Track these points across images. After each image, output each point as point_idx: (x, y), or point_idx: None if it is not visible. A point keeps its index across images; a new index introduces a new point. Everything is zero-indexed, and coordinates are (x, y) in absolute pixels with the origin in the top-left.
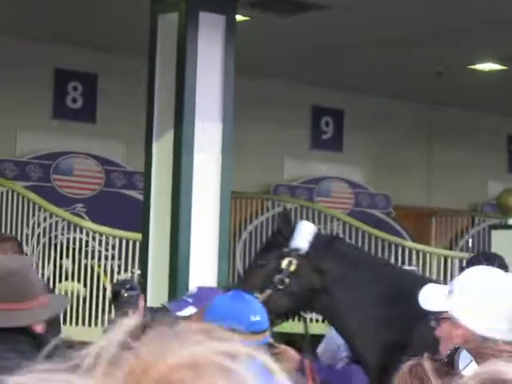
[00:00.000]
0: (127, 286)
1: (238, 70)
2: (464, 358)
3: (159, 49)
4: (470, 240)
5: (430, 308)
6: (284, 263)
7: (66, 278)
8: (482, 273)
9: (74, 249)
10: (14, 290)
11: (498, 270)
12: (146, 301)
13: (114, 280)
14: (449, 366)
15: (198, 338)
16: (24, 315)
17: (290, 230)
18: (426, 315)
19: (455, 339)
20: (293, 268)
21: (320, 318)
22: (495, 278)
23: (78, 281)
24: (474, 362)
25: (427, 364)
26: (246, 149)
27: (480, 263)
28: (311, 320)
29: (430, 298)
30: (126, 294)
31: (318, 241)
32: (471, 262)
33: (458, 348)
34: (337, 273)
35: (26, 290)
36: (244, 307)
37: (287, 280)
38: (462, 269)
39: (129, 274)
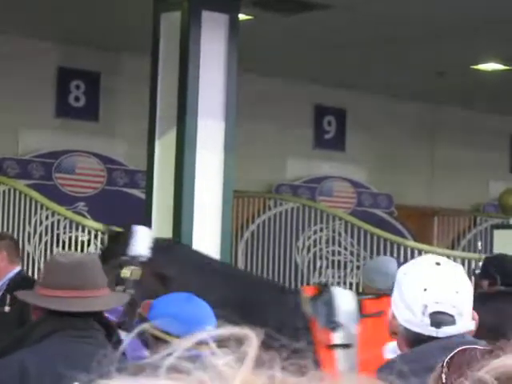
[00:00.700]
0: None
1: (240, 68)
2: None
3: (162, 47)
4: (480, 243)
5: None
6: (125, 272)
7: None
8: (418, 263)
9: (81, 243)
10: (89, 278)
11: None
12: None
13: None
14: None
15: None
16: (98, 302)
17: (126, 237)
18: (266, 323)
19: (393, 329)
20: (135, 276)
21: None
22: (421, 268)
23: None
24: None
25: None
26: (248, 148)
27: (498, 262)
28: None
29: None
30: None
31: (158, 246)
32: (488, 262)
33: None
34: (179, 278)
35: (98, 279)
36: (200, 315)
37: (130, 289)
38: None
39: None
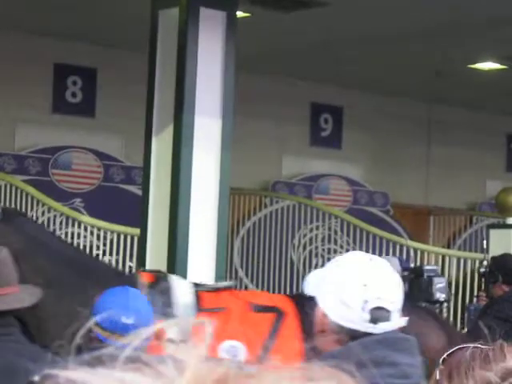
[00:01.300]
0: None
1: (237, 66)
2: None
3: (159, 44)
4: (485, 242)
5: (308, 292)
6: None
7: None
8: (350, 259)
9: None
10: (2, 275)
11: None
12: None
13: None
14: None
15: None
16: (13, 298)
17: None
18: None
19: (322, 327)
20: None
21: None
22: (356, 264)
23: None
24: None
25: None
26: (244, 145)
27: (500, 261)
28: None
29: (308, 283)
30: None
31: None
32: (492, 262)
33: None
34: (21, 248)
35: (10, 276)
36: (119, 306)
37: None
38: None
39: (126, 269)
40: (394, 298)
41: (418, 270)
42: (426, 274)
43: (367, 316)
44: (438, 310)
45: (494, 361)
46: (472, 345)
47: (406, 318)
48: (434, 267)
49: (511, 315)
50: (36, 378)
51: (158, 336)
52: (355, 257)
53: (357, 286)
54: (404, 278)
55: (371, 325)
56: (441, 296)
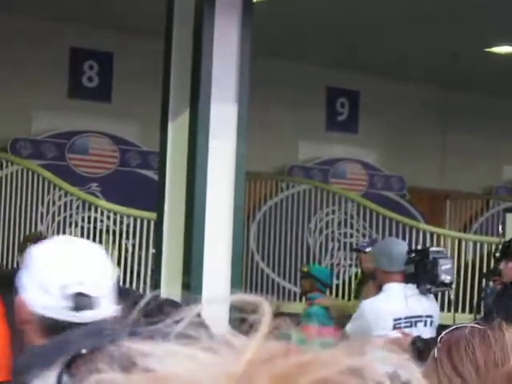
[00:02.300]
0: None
1: (253, 50)
2: None
3: (175, 28)
4: (501, 226)
5: None
6: None
7: None
8: (50, 242)
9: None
10: None
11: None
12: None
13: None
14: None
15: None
16: None
17: None
18: None
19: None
20: None
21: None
22: (55, 247)
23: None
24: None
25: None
26: (261, 130)
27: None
28: None
29: None
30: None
31: None
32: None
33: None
34: None
35: None
36: None
37: None
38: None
39: (143, 253)
40: (100, 282)
41: (424, 252)
42: (431, 256)
43: (67, 303)
44: (442, 292)
45: (493, 337)
46: (469, 324)
47: (119, 306)
48: (441, 249)
49: None
50: (84, 351)
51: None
52: (57, 239)
53: (55, 270)
54: (410, 260)
55: (73, 313)
56: (446, 278)
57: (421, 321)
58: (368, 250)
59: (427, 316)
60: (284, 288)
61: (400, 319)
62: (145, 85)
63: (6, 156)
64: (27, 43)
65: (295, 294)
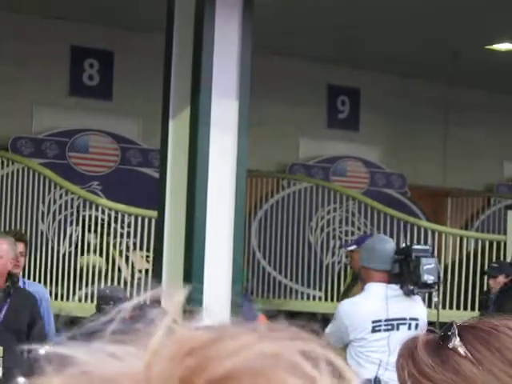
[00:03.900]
0: (111, 302)
1: (254, 47)
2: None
3: (176, 25)
4: None
5: None
6: None
7: (89, 252)
8: None
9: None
10: None
11: None
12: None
13: (129, 259)
14: (443, 339)
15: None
16: None
17: None
18: None
19: None
20: None
21: (323, 296)
22: None
23: (100, 255)
24: (456, 335)
25: (421, 337)
26: (262, 127)
27: None
28: (314, 298)
29: None
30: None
31: None
32: None
33: (453, 322)
34: None
35: None
36: None
37: None
38: None
39: (144, 253)
40: None
41: (407, 250)
42: (414, 254)
43: None
44: (425, 295)
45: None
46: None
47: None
48: (425, 247)
49: None
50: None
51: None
52: None
53: None
54: (396, 259)
55: None
56: (429, 278)
57: (404, 323)
58: (351, 248)
59: (411, 319)
60: (285, 286)
61: (380, 321)
62: (145, 83)
63: (6, 155)
64: (28, 41)
65: (296, 291)
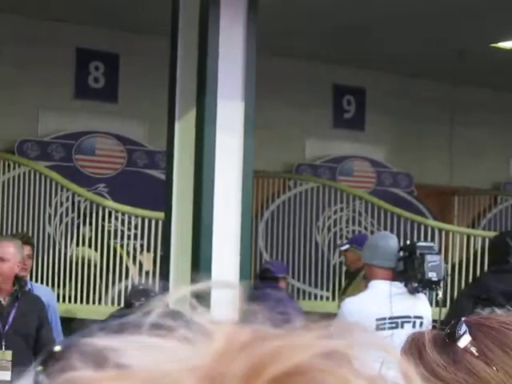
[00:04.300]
0: (142, 299)
1: (259, 48)
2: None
3: (181, 27)
4: None
5: None
6: None
7: (84, 244)
8: None
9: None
10: None
11: None
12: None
13: (137, 260)
14: (450, 337)
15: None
16: None
17: None
18: None
19: None
20: None
21: (331, 296)
22: None
23: (96, 249)
24: (467, 334)
25: (427, 334)
26: (267, 128)
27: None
28: (321, 298)
29: None
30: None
31: None
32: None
33: (460, 319)
34: None
35: None
36: None
37: None
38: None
39: (151, 254)
40: None
41: (411, 247)
42: (418, 251)
43: None
44: (428, 292)
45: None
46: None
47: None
48: (430, 244)
49: (480, 294)
50: (57, 348)
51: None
52: None
53: None
54: (401, 257)
55: None
56: (433, 275)
57: (409, 322)
58: (344, 247)
59: (416, 317)
60: (293, 286)
61: (384, 319)
62: (151, 85)
63: (13, 158)
64: (33, 44)
65: (304, 291)
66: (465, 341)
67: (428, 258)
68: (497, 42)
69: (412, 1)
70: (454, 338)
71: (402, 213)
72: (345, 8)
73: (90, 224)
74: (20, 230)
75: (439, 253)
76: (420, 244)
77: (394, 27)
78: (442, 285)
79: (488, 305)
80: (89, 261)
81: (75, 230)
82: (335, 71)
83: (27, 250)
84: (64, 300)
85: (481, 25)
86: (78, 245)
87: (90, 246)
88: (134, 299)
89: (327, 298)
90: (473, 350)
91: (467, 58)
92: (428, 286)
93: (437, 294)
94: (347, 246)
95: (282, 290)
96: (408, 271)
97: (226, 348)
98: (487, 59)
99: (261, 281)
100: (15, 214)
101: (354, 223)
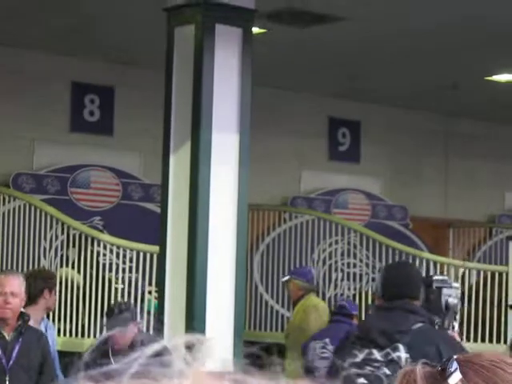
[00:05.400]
0: (122, 307)
1: (254, 81)
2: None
3: (176, 61)
4: None
5: None
6: None
7: (67, 265)
8: None
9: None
10: None
11: None
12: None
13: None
14: (442, 375)
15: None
16: None
17: None
18: None
19: None
20: None
21: None
22: None
23: (78, 271)
24: (458, 372)
25: (419, 370)
26: (263, 161)
27: None
28: None
29: None
30: (116, 312)
31: None
32: None
33: (452, 356)
34: None
35: None
36: None
37: None
38: None
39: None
40: None
41: (427, 281)
42: (434, 285)
43: None
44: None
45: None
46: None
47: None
48: (445, 277)
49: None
50: None
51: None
52: None
53: None
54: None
55: None
56: (451, 302)
57: None
58: (285, 278)
59: None
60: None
61: None
62: (146, 118)
63: (8, 191)
64: (28, 77)
65: None
66: (455, 378)
67: (445, 291)
68: (491, 76)
69: (407, 35)
70: (444, 375)
71: (397, 246)
72: (340, 42)
73: (74, 246)
74: (15, 264)
75: (455, 286)
76: (436, 278)
77: (388, 60)
78: (457, 317)
79: (366, 345)
80: (72, 283)
81: (59, 252)
82: (330, 104)
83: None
84: (65, 334)
85: (475, 58)
86: (61, 266)
87: (73, 267)
88: (115, 306)
89: None
90: None
91: (462, 90)
92: (443, 312)
93: (453, 326)
94: (288, 277)
95: (354, 326)
96: (423, 304)
97: None
98: (482, 92)
99: (336, 315)
100: (10, 248)
101: (348, 256)
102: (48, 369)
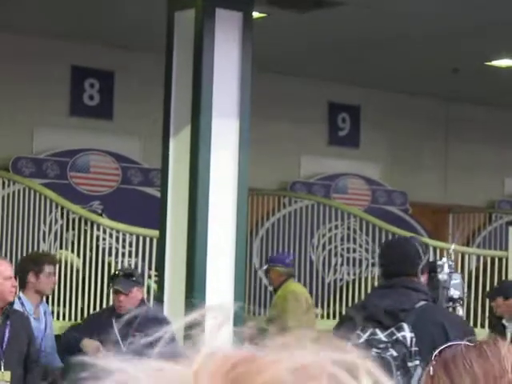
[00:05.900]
0: (127, 271)
1: (254, 66)
2: None
3: (176, 45)
4: None
5: None
6: None
7: (67, 248)
8: None
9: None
10: None
11: None
12: (144, 294)
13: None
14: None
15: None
16: None
17: None
18: None
19: None
20: None
21: (327, 314)
22: None
23: (78, 255)
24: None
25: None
26: (262, 146)
27: None
28: (316, 315)
29: None
30: (120, 274)
31: None
32: None
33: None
34: None
35: None
36: None
37: None
38: None
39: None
40: None
41: (432, 266)
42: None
43: None
44: (452, 308)
45: (489, 351)
46: (462, 342)
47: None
48: (451, 262)
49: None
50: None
51: None
52: None
53: None
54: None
55: None
56: (455, 293)
57: None
58: (265, 267)
59: None
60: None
61: None
62: (146, 102)
63: (7, 175)
64: (28, 62)
65: None
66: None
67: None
68: (491, 61)
69: (407, 20)
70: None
71: (396, 231)
72: (340, 27)
73: (73, 229)
74: (14, 248)
75: (458, 271)
76: (440, 263)
77: (389, 45)
78: (462, 302)
79: (368, 325)
80: (71, 265)
81: (59, 235)
82: (330, 89)
83: (52, 268)
84: (64, 318)
85: (476, 43)
86: (60, 248)
87: (72, 251)
88: (120, 270)
89: (322, 316)
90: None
91: (462, 75)
92: (448, 303)
93: (456, 311)
94: (266, 266)
95: None
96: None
97: (219, 368)
98: (482, 77)
99: None
100: (9, 231)
101: (348, 241)
102: (34, 350)
